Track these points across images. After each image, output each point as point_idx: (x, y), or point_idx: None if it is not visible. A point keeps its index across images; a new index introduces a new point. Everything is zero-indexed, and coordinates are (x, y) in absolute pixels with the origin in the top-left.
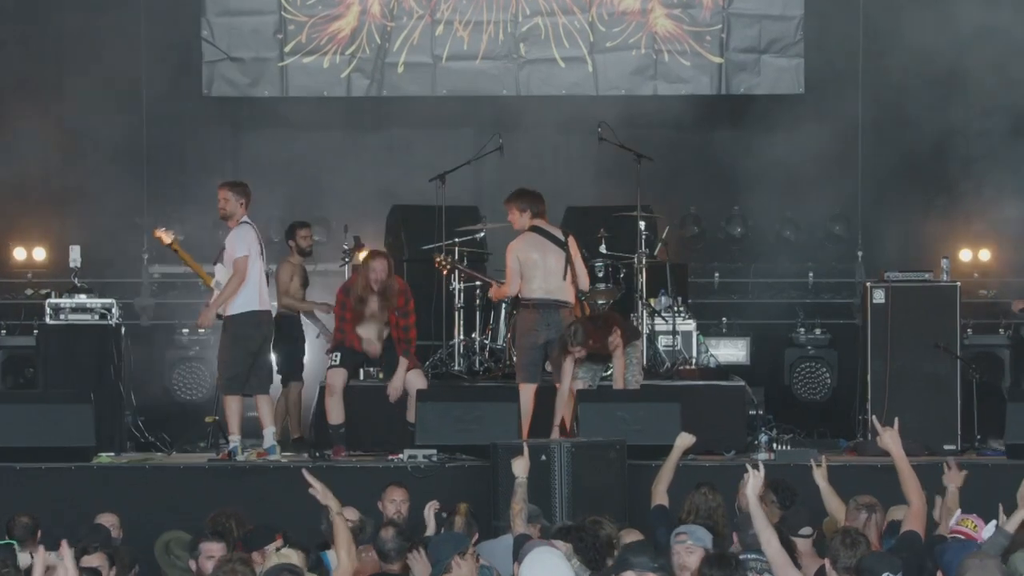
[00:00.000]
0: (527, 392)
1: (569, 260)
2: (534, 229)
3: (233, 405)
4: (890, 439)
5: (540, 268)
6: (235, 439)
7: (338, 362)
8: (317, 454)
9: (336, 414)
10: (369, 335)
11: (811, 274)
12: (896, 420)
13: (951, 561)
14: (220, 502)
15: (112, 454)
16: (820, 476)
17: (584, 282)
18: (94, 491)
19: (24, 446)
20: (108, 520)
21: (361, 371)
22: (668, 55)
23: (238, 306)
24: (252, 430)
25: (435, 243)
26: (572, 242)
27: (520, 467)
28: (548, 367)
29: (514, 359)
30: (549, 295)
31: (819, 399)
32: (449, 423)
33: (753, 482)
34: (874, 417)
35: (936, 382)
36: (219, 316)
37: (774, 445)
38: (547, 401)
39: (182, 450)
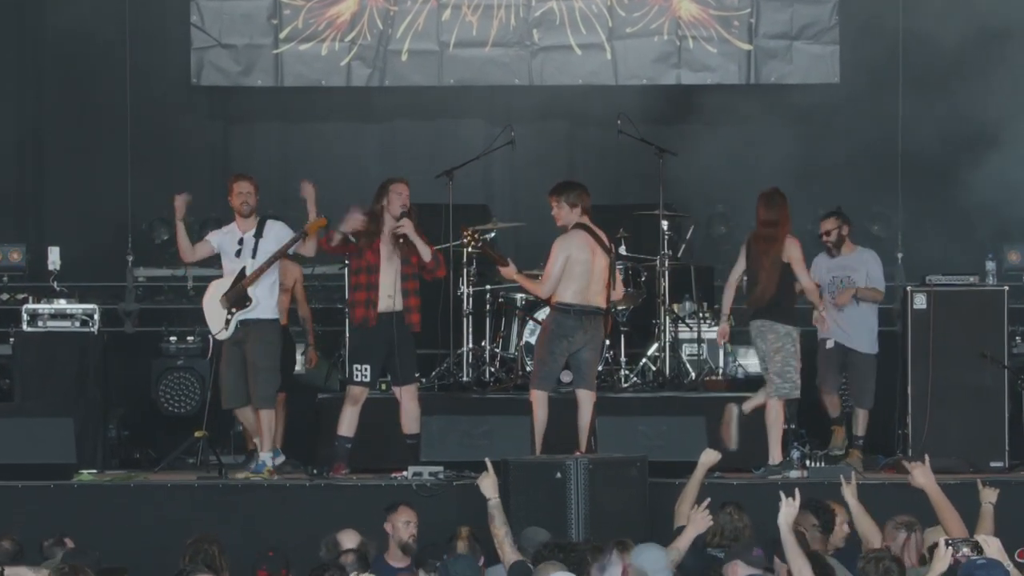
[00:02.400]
0: (542, 401)
1: (614, 267)
2: (582, 227)
3: (270, 418)
4: (922, 476)
5: (587, 272)
6: (269, 454)
7: (367, 378)
8: (315, 471)
9: (348, 425)
10: (387, 286)
11: None
12: (926, 456)
13: None
14: (211, 523)
15: (94, 471)
16: (850, 494)
17: (620, 293)
18: (75, 511)
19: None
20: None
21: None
22: (693, 41)
23: (278, 312)
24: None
25: (442, 244)
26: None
27: (489, 487)
28: (564, 378)
29: (529, 365)
30: (589, 301)
31: None
32: (456, 438)
33: (786, 510)
34: (901, 456)
35: (982, 394)
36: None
37: (807, 462)
38: (557, 413)
39: (170, 467)
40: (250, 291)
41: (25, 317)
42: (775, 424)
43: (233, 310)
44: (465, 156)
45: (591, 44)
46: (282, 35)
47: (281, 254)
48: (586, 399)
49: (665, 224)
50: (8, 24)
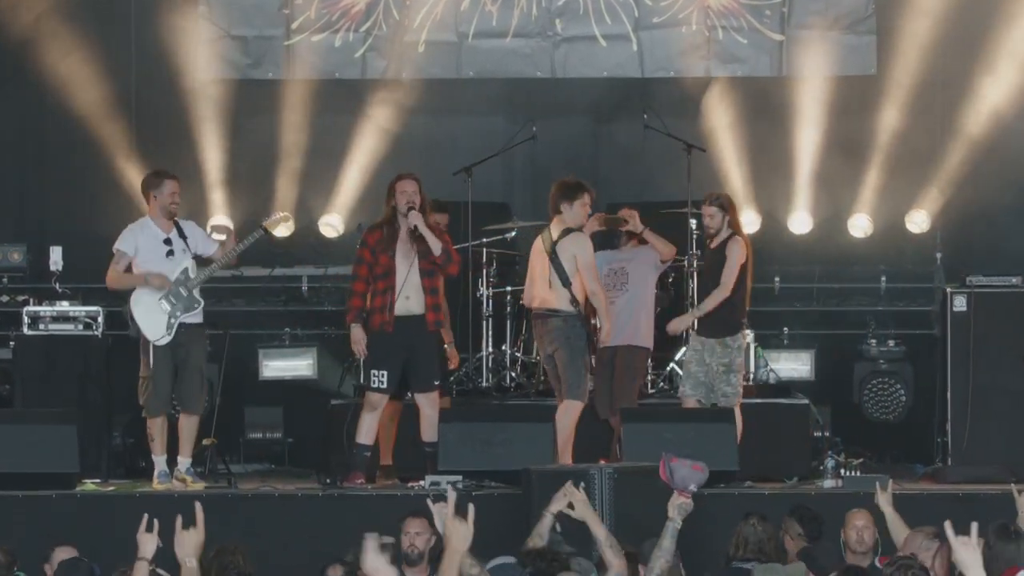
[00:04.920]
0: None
1: (552, 264)
2: (544, 231)
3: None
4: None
5: (531, 275)
6: (188, 460)
7: (384, 384)
8: (328, 481)
9: (366, 433)
10: (404, 287)
11: (884, 278)
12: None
13: None
14: (219, 534)
15: (98, 480)
16: (885, 502)
17: (589, 288)
18: (78, 522)
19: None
20: (67, 554)
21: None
22: (723, 32)
23: None
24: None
25: (460, 244)
26: (567, 243)
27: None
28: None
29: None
30: (534, 305)
31: (893, 419)
32: (474, 446)
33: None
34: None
35: None
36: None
37: (842, 471)
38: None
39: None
40: (196, 294)
41: (26, 320)
42: None
43: (179, 313)
44: (484, 152)
45: (616, 35)
46: (294, 26)
47: (238, 252)
48: (560, 409)
49: (694, 223)
50: (6, 13)
